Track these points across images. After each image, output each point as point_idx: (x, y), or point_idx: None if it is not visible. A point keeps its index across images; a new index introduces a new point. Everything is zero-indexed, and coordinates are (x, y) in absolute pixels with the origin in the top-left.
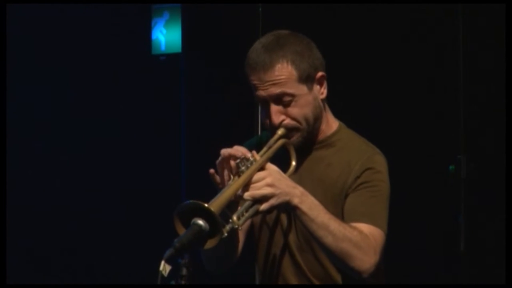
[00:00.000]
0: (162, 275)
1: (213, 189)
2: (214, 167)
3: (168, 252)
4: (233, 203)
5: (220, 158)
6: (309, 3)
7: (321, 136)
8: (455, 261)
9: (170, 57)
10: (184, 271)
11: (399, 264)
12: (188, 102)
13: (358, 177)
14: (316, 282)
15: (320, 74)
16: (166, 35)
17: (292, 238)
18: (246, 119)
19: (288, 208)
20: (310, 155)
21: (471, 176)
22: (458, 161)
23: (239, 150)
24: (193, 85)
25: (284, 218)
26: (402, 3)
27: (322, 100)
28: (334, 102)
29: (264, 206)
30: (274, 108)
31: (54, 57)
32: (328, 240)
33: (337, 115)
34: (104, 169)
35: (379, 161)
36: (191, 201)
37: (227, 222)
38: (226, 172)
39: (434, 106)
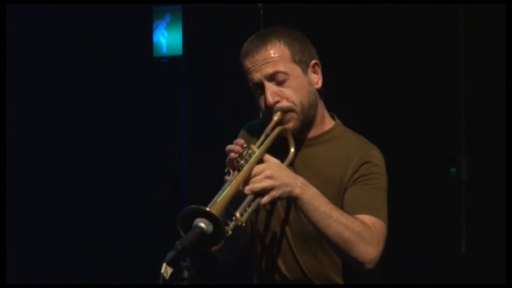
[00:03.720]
0: (164, 278)
1: (214, 191)
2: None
3: (169, 255)
4: (235, 199)
5: (228, 158)
6: (311, 3)
7: (317, 132)
8: (456, 263)
9: (172, 60)
10: (186, 274)
11: (400, 266)
12: (189, 105)
13: (355, 171)
14: (314, 280)
15: (314, 61)
16: (167, 38)
17: (290, 235)
18: (247, 121)
19: (289, 199)
20: (306, 151)
21: (472, 178)
22: (459, 163)
23: (238, 142)
24: (194, 87)
25: (281, 215)
26: (403, 3)
27: (319, 91)
28: (335, 104)
29: (265, 199)
30: (270, 88)
31: (56, 59)
32: (331, 230)
33: (338, 116)
34: (104, 171)
35: (376, 155)
36: (192, 206)
37: (230, 219)
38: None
39: (435, 109)
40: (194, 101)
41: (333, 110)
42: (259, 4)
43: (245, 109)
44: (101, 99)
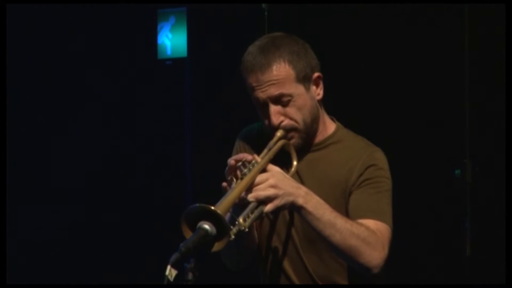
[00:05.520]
0: (168, 280)
1: (218, 193)
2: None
3: (174, 257)
4: (238, 206)
5: (227, 167)
6: (314, 3)
7: (319, 137)
8: (460, 265)
9: (176, 62)
10: (190, 276)
11: (404, 268)
12: (193, 106)
13: (361, 174)
14: (320, 283)
15: (316, 74)
16: (172, 40)
17: (296, 238)
18: (250, 123)
19: (293, 209)
20: (310, 156)
21: (476, 180)
22: (463, 165)
23: (241, 155)
24: (199, 89)
25: (287, 218)
26: (408, 3)
27: (319, 101)
28: (339, 106)
29: (268, 207)
30: (273, 109)
31: (60, 61)
32: (336, 238)
33: (342, 120)
34: (108, 173)
35: (380, 158)
36: (197, 204)
37: (234, 225)
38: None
39: (439, 111)
40: (198, 103)
41: (337, 112)
42: (263, 5)
43: (249, 111)
44: (106, 101)
